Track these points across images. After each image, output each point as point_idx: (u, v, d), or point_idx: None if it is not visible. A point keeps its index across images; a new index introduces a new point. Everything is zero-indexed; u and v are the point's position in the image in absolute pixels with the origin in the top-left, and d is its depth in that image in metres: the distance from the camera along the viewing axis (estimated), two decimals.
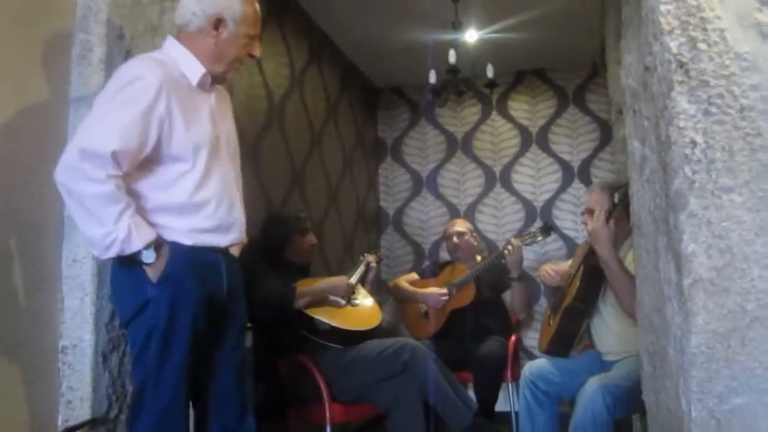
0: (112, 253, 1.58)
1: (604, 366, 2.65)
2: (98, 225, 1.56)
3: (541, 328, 3.12)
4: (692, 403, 1.34)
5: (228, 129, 1.92)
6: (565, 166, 4.88)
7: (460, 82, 3.70)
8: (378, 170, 5.27)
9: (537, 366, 2.86)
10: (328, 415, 2.57)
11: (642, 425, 3.00)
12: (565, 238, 4.76)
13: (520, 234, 4.32)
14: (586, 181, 4.81)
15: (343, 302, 2.89)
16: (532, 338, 4.63)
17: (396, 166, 5.27)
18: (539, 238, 3.69)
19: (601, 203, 2.60)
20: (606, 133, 4.79)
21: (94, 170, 1.55)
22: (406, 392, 2.58)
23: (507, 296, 3.87)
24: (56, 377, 1.79)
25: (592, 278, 2.62)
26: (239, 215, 1.89)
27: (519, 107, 5.04)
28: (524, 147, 4.98)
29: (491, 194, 5.00)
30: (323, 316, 2.75)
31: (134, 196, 1.65)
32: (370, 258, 3.25)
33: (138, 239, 1.59)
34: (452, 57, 3.49)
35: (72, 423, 1.75)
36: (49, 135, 1.83)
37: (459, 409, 2.60)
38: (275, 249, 3.02)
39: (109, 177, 1.56)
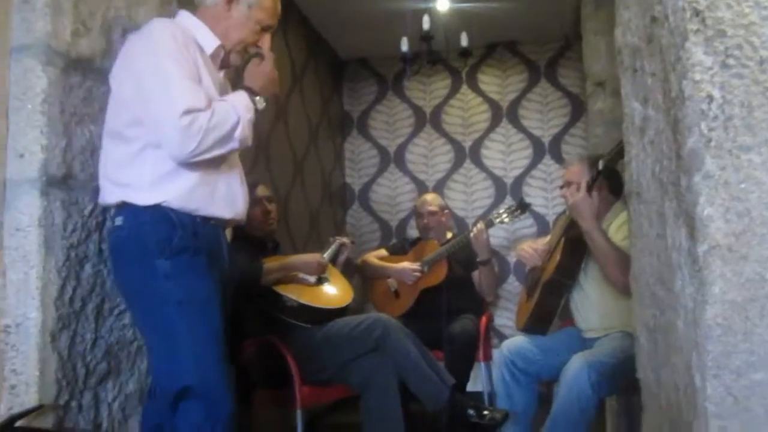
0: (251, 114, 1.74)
1: (584, 344, 2.57)
2: (237, 127, 1.68)
3: (519, 306, 3.03)
4: (707, 379, 1.23)
5: None
6: (535, 141, 4.78)
7: (432, 51, 3.56)
8: (344, 145, 5.10)
9: (515, 344, 2.77)
10: (298, 398, 2.42)
11: (619, 406, 2.94)
12: (536, 215, 4.68)
13: (492, 211, 4.22)
14: (557, 157, 4.72)
15: (313, 280, 2.73)
16: (501, 317, 4.56)
17: (362, 140, 5.11)
18: (517, 214, 3.58)
19: (582, 175, 2.51)
20: (577, 109, 4.70)
21: (196, 116, 1.58)
22: (379, 371, 2.45)
23: (475, 277, 3.78)
24: None
25: (573, 250, 2.53)
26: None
27: (489, 81, 4.92)
28: (494, 122, 4.87)
29: (461, 170, 4.89)
30: (292, 293, 2.60)
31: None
32: (344, 239, 3.10)
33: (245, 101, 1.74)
34: (426, 23, 3.35)
35: (16, 410, 1.56)
36: None
37: (436, 385, 2.48)
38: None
39: (205, 108, 1.61)
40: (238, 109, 1.69)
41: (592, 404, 2.23)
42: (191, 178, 1.65)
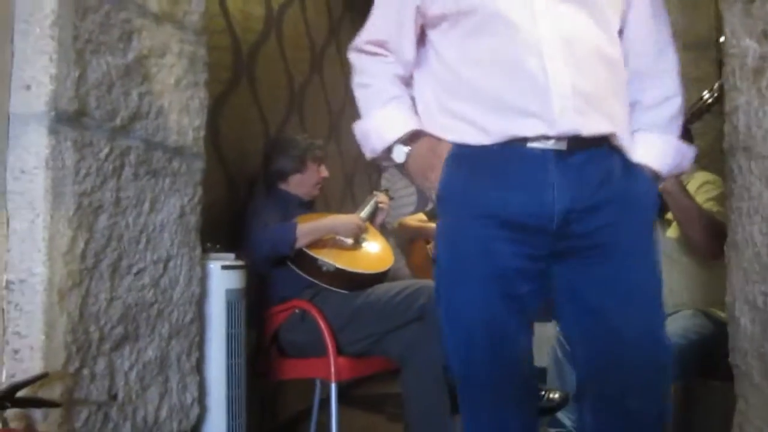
0: None
1: None
2: None
3: None
4: None
5: None
6: None
7: None
8: None
9: None
10: (333, 369, 2.21)
11: (680, 393, 2.67)
12: None
13: None
14: None
15: (350, 242, 2.50)
16: None
17: None
18: None
19: None
20: None
21: None
22: (422, 342, 2.22)
23: None
24: None
25: None
26: None
27: None
28: None
29: None
30: (328, 257, 2.37)
31: None
32: (381, 196, 2.86)
33: None
34: None
35: (19, 378, 1.36)
36: None
37: None
38: (280, 178, 2.62)
39: None
40: None
41: None
42: None
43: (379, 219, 2.81)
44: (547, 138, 1.26)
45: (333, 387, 2.22)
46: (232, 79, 2.63)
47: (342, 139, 3.90)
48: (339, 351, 2.26)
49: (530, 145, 1.27)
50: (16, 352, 1.40)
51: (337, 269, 2.34)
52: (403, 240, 3.65)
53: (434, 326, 2.23)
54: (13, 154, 1.43)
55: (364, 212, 2.71)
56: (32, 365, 1.39)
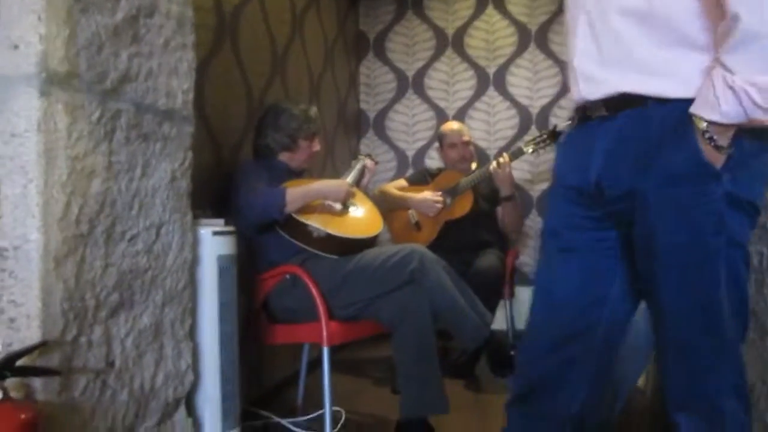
0: None
1: None
2: None
3: None
4: None
5: None
6: (565, 68, 4.45)
7: None
8: (359, 68, 4.78)
9: None
10: (325, 334, 2.21)
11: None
12: None
13: (515, 144, 3.95)
14: None
15: (339, 207, 2.49)
16: (522, 255, 4.36)
17: (379, 64, 4.78)
18: (549, 143, 3.32)
19: None
20: None
21: None
22: (413, 305, 2.24)
23: (498, 213, 3.56)
24: None
25: None
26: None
27: (517, 2, 4.56)
28: (521, 47, 4.54)
29: (483, 98, 4.59)
30: (317, 222, 2.35)
31: None
32: (367, 160, 2.83)
33: None
34: None
35: (16, 347, 1.34)
36: None
37: (474, 323, 2.27)
38: (270, 149, 2.58)
39: None
40: None
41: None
42: None
43: (365, 181, 2.79)
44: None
45: (325, 351, 2.22)
46: (215, 41, 2.56)
47: (322, 105, 3.86)
48: (330, 316, 2.26)
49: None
50: (12, 320, 1.37)
51: (328, 234, 2.33)
52: (385, 207, 3.65)
53: (425, 290, 2.25)
54: (2, 117, 1.38)
55: (351, 176, 2.69)
56: (29, 334, 1.36)
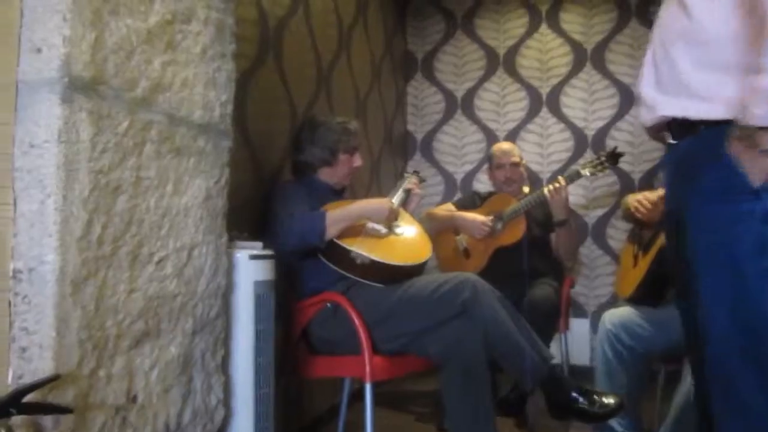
0: None
1: None
2: None
3: (622, 270, 2.59)
4: None
5: None
6: (623, 89, 4.25)
7: None
8: (406, 89, 4.64)
9: (620, 316, 2.36)
10: (368, 369, 2.03)
11: None
12: (620, 172, 4.17)
13: (569, 166, 3.74)
14: None
15: (384, 230, 2.32)
16: (578, 285, 4.13)
17: (427, 84, 4.63)
18: (607, 165, 3.10)
19: None
20: None
21: None
22: (466, 340, 2.05)
23: (551, 239, 3.35)
24: (4, 315, 1.23)
25: None
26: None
27: (572, 20, 4.38)
28: (577, 66, 4.34)
29: (536, 119, 4.39)
30: (361, 247, 2.18)
31: None
32: (412, 179, 2.66)
33: None
34: None
35: (27, 380, 1.20)
36: None
37: (533, 361, 2.06)
38: (308, 165, 2.44)
39: None
40: None
41: None
42: None
43: (413, 203, 2.62)
44: None
45: (368, 388, 2.04)
46: (258, 54, 2.45)
47: (368, 126, 3.72)
48: (374, 349, 2.09)
49: None
50: (23, 350, 1.23)
51: (372, 261, 2.15)
52: (431, 231, 3.47)
53: (478, 323, 2.06)
54: (21, 126, 1.26)
55: (396, 197, 2.51)
56: (42, 365, 1.22)
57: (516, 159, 3.40)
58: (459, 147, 4.54)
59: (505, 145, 3.50)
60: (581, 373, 3.31)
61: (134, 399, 1.43)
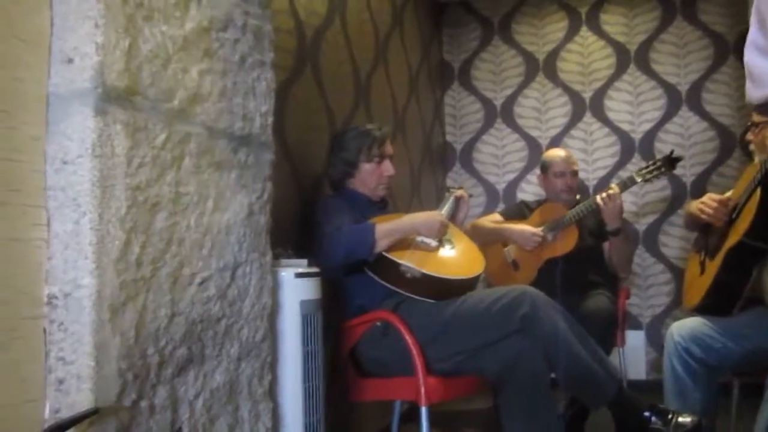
0: None
1: None
2: None
3: (688, 279, 2.43)
4: None
5: None
6: (670, 90, 4.08)
7: None
8: (443, 99, 4.53)
9: (689, 327, 2.19)
10: (423, 392, 1.91)
11: None
12: (670, 177, 3.99)
13: (617, 172, 3.58)
14: (697, 108, 4.01)
15: (435, 243, 2.20)
16: (632, 295, 3.95)
17: (464, 93, 4.52)
18: (664, 171, 2.95)
19: None
20: (721, 50, 3.98)
21: None
22: (525, 357, 1.91)
23: (605, 249, 3.19)
24: (39, 344, 1.14)
25: None
26: None
27: (614, 21, 4.24)
28: (620, 68, 4.19)
29: (580, 125, 4.25)
30: (411, 261, 2.07)
31: None
32: (460, 191, 2.55)
33: None
34: None
35: (65, 414, 1.11)
36: None
37: (600, 379, 1.92)
38: (341, 176, 2.35)
39: None
40: None
41: None
42: None
43: (461, 215, 2.51)
44: None
45: (423, 412, 1.92)
46: (296, 65, 2.36)
47: (407, 138, 3.62)
48: (427, 369, 1.96)
49: None
50: (60, 382, 1.14)
51: (423, 275, 2.04)
52: (477, 243, 3.34)
53: (538, 339, 1.93)
54: (53, 141, 1.17)
55: (445, 209, 2.41)
56: (80, 398, 1.13)
57: (576, 167, 3.28)
58: (500, 156, 4.41)
59: (563, 152, 3.36)
60: (638, 389, 3.14)
61: (179, 431, 1.33)
